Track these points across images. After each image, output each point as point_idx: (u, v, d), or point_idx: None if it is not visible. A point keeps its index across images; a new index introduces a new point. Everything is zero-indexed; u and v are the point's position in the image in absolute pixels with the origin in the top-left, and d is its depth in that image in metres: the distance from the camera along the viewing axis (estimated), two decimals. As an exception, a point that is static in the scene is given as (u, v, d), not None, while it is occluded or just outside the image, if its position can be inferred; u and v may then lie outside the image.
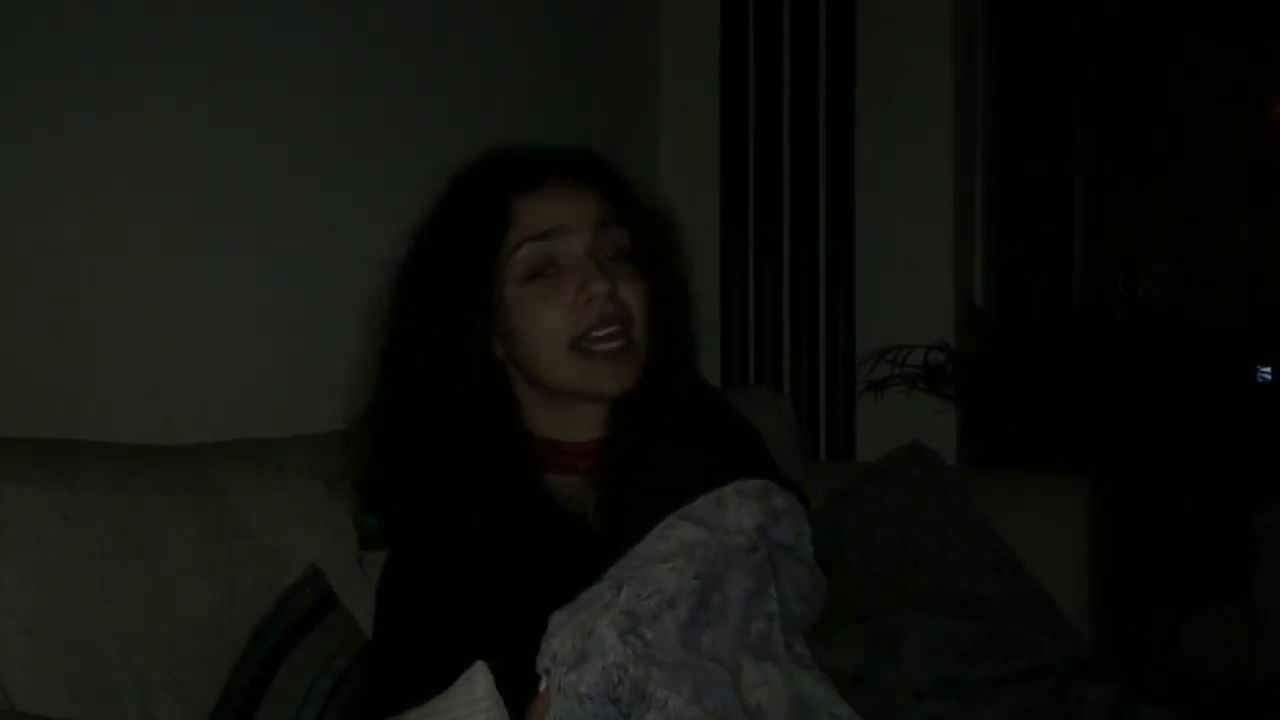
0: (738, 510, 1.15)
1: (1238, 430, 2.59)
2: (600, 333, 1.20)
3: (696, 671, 1.04)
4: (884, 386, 2.66)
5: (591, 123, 2.54)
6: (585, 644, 1.01)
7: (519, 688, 1.00)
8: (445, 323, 1.22)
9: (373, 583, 1.25)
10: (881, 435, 2.52)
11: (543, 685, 0.99)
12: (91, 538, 1.15)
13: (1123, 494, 2.33)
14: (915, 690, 1.61)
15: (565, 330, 1.20)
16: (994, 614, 1.85)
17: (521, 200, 1.22)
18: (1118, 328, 2.85)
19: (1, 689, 1.06)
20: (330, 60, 1.83)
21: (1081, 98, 3.33)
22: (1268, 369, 3.28)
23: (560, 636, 1.01)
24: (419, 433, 1.22)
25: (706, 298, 2.77)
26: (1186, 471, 2.49)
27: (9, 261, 1.41)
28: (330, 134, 1.82)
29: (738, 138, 2.78)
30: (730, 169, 2.78)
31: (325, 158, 1.80)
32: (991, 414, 2.64)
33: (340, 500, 1.29)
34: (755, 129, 2.77)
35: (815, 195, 2.74)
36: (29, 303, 1.42)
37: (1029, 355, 2.62)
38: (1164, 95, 3.68)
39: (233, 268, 1.66)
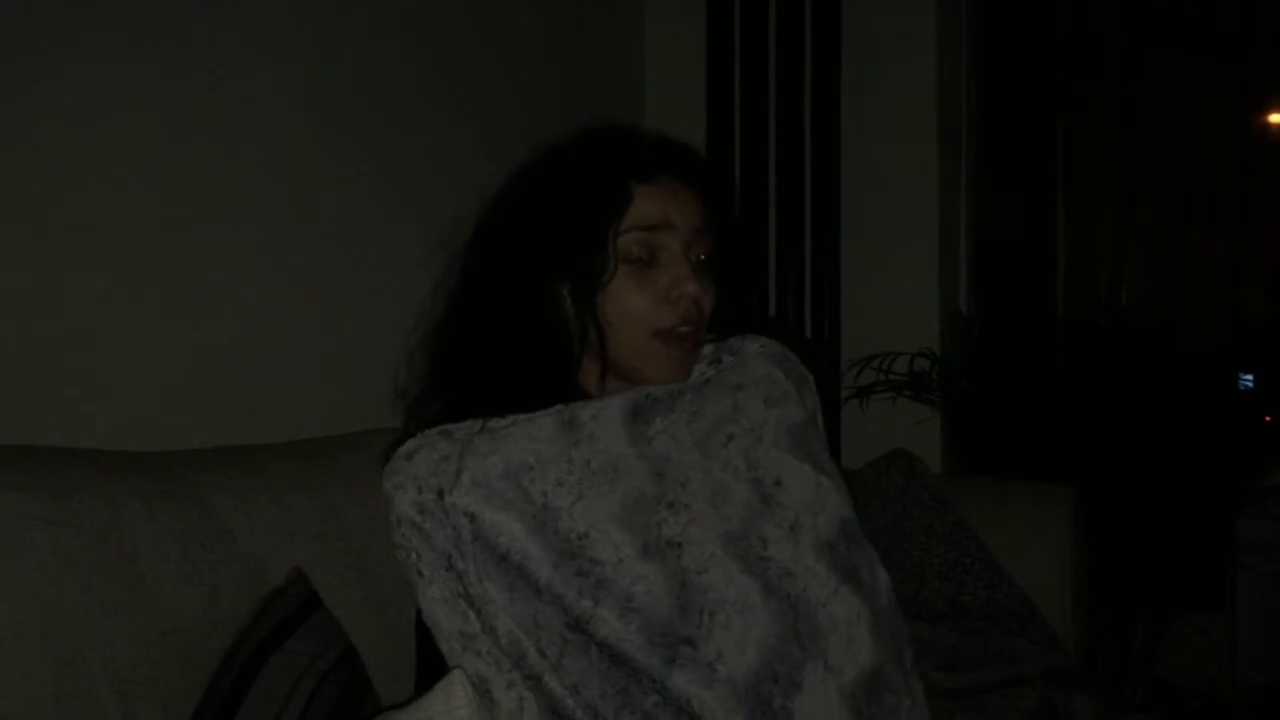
0: None
1: (1219, 439, 2.60)
2: (682, 330, 1.30)
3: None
4: (869, 393, 2.66)
5: (575, 123, 2.54)
6: None
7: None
8: (541, 280, 1.29)
9: (360, 583, 1.29)
10: (866, 442, 2.53)
11: None
12: (72, 543, 1.14)
13: (1105, 502, 2.33)
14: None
15: (651, 319, 1.29)
16: (976, 621, 1.85)
17: (638, 186, 1.30)
18: (1100, 336, 2.86)
19: (-20, 695, 1.05)
20: (315, 61, 1.83)
21: (1065, 108, 3.35)
22: (1249, 376, 3.29)
23: None
24: (479, 361, 1.31)
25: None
26: (1168, 480, 2.49)
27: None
28: (315, 135, 1.82)
29: (723, 144, 2.78)
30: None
31: (309, 159, 1.80)
32: (976, 421, 2.64)
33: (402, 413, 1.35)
34: (740, 136, 2.77)
35: (801, 202, 2.75)
36: (9, 306, 1.41)
37: (1013, 363, 2.63)
38: (1147, 107, 3.70)
39: (219, 272, 1.65)
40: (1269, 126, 4.00)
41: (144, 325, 1.56)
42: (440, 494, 1.20)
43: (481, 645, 1.17)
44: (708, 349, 1.39)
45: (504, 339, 1.30)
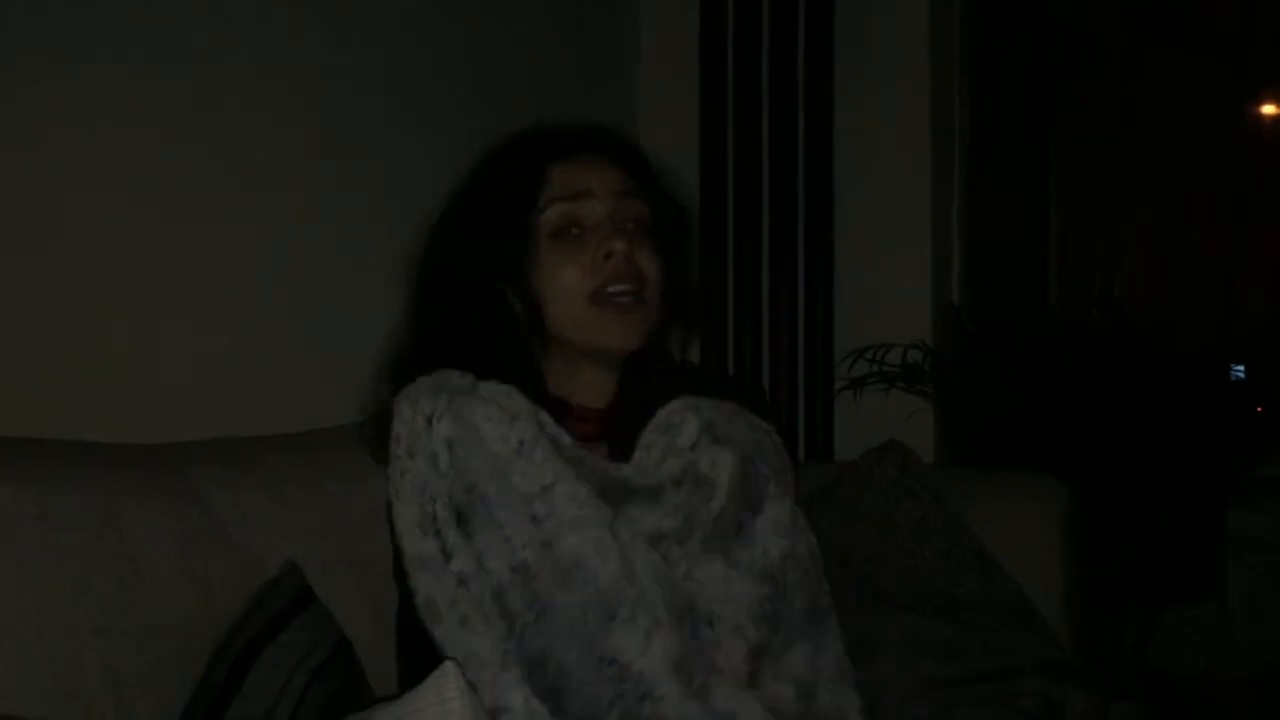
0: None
1: (1210, 430, 2.61)
2: (615, 288, 1.29)
3: None
4: (862, 385, 2.66)
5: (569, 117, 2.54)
6: None
7: None
8: (476, 273, 1.32)
9: (354, 578, 1.31)
10: (859, 434, 2.53)
11: None
12: (66, 538, 1.14)
13: (1098, 494, 2.34)
14: (892, 691, 1.62)
15: (584, 284, 1.29)
16: (970, 614, 1.86)
17: (555, 166, 1.33)
18: (1093, 328, 2.87)
19: (-25, 690, 1.05)
20: (316, 62, 1.84)
21: (1060, 104, 3.35)
22: (1241, 368, 3.31)
23: None
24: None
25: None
26: (1160, 472, 2.50)
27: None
28: (314, 135, 1.82)
29: (716, 136, 2.78)
30: (709, 168, 2.78)
31: (310, 158, 1.81)
32: (969, 413, 2.65)
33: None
34: (734, 127, 2.77)
35: (794, 195, 2.75)
36: (6, 303, 1.42)
37: (1006, 355, 2.64)
38: (1140, 101, 3.71)
39: (213, 266, 1.66)
40: (1264, 123, 4.01)
41: (143, 321, 1.56)
42: (429, 420, 1.21)
43: (437, 568, 1.18)
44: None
45: (453, 341, 1.31)
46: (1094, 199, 3.71)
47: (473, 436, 1.20)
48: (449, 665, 0.89)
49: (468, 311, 1.32)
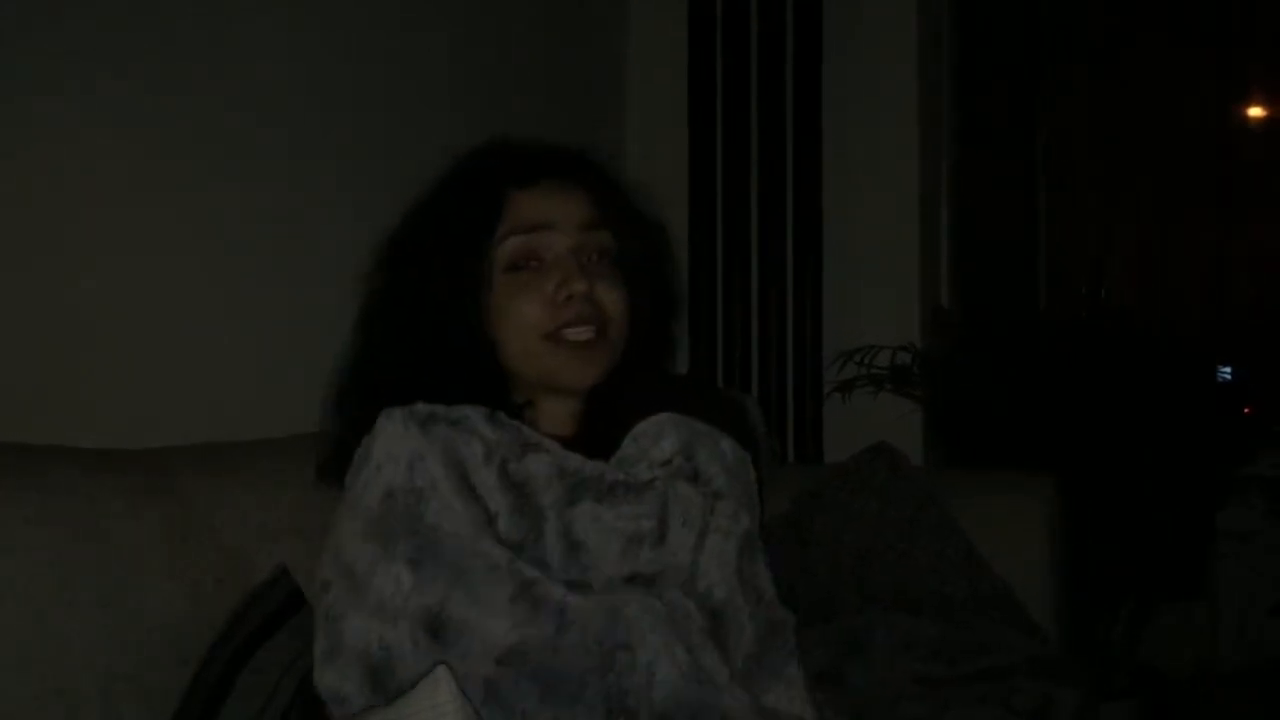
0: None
1: (1199, 430, 2.62)
2: (573, 331, 1.23)
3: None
4: (851, 388, 2.67)
5: (559, 125, 2.55)
6: None
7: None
8: (428, 299, 1.25)
9: None
10: (849, 436, 2.54)
11: None
12: (55, 541, 1.14)
13: (1087, 493, 2.35)
14: (884, 691, 1.62)
15: (540, 324, 1.23)
16: (960, 613, 1.87)
17: (515, 193, 1.26)
18: (1081, 329, 2.87)
19: (-37, 694, 1.05)
20: (316, 64, 1.85)
21: (1045, 101, 3.37)
22: (1228, 369, 3.32)
23: None
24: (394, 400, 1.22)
25: (675, 300, 2.79)
26: (1149, 471, 2.51)
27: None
28: (314, 138, 1.83)
29: (706, 140, 2.79)
30: (698, 171, 2.79)
31: (301, 159, 1.81)
32: (958, 415, 2.66)
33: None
34: (723, 131, 2.78)
35: (783, 197, 2.76)
36: (3, 305, 1.42)
37: (994, 356, 2.65)
38: (1127, 100, 3.72)
39: (203, 269, 1.66)
40: (1252, 120, 4.02)
41: (135, 324, 1.56)
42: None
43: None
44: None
45: (405, 368, 1.24)
46: (1082, 199, 3.72)
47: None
48: (441, 670, 0.89)
49: (420, 339, 1.25)
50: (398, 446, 1.13)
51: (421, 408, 1.15)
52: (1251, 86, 3.92)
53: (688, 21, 2.79)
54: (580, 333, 1.23)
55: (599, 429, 1.24)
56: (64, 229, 1.47)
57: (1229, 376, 3.27)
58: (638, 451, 1.20)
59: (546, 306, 1.22)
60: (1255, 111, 3.97)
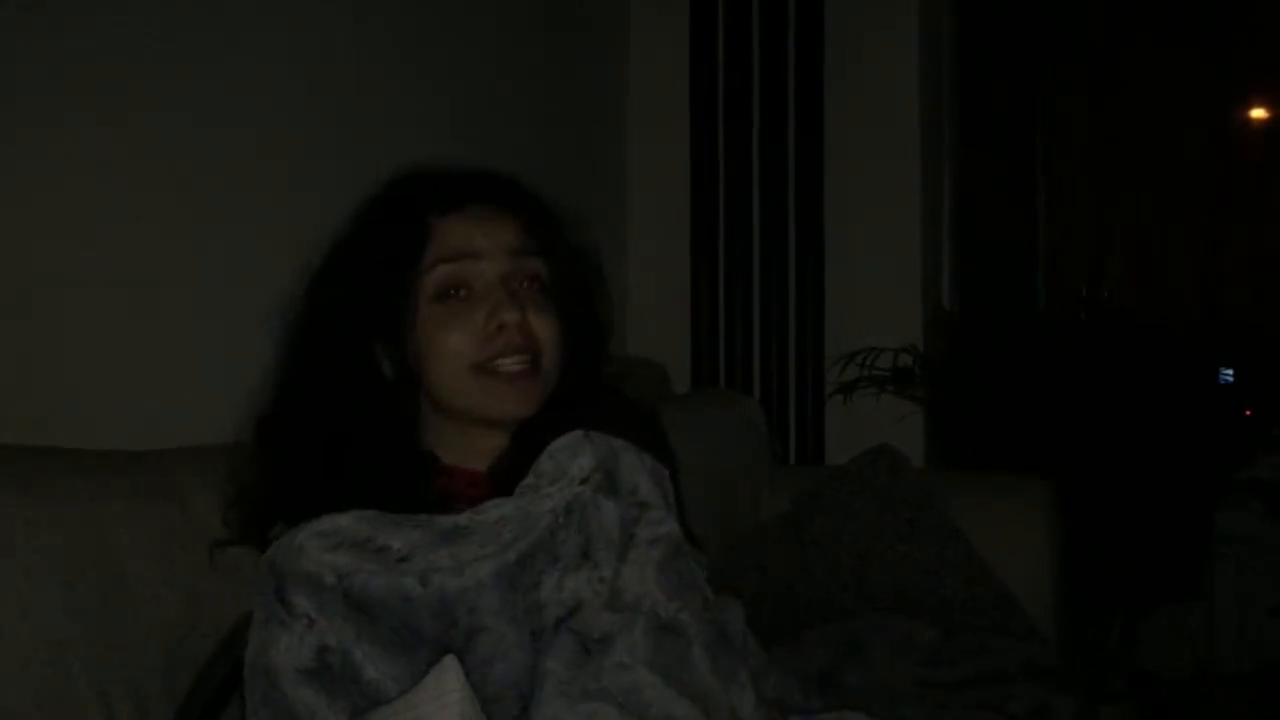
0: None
1: (1199, 431, 2.63)
2: (505, 362, 1.19)
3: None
4: (853, 389, 2.68)
5: (562, 126, 2.56)
6: None
7: None
8: (346, 335, 1.21)
9: None
10: (850, 437, 2.54)
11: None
12: (53, 544, 1.13)
13: (1086, 495, 2.35)
14: (882, 693, 1.63)
15: (470, 355, 1.19)
16: (959, 615, 1.87)
17: (439, 220, 1.22)
18: (1081, 330, 2.88)
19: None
20: (317, 64, 1.85)
21: (1044, 104, 3.37)
22: (1229, 371, 3.32)
23: None
24: (311, 443, 1.21)
25: (677, 301, 2.80)
26: (1148, 471, 2.52)
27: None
28: (313, 140, 1.84)
29: (707, 142, 2.79)
30: (700, 173, 2.80)
31: (304, 161, 1.81)
32: (959, 416, 2.66)
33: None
34: (725, 134, 2.78)
35: (785, 199, 2.76)
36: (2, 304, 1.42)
37: (995, 358, 2.65)
38: (1126, 101, 3.73)
39: (204, 270, 1.65)
40: (1250, 121, 4.02)
41: (133, 324, 1.56)
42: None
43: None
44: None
45: (324, 411, 1.21)
46: (1081, 199, 3.72)
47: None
48: (449, 659, 0.90)
49: (335, 372, 1.21)
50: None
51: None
52: (1251, 88, 3.92)
53: (689, 21, 2.79)
54: (513, 363, 1.19)
55: (521, 462, 1.18)
56: (65, 229, 1.46)
57: (1230, 378, 3.27)
58: (555, 468, 1.14)
59: (476, 337, 1.19)
60: (1255, 113, 3.97)
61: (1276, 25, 3.71)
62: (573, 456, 1.14)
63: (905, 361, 2.65)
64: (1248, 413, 3.15)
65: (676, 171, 2.81)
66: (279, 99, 1.78)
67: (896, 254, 2.79)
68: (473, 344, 1.19)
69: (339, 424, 1.20)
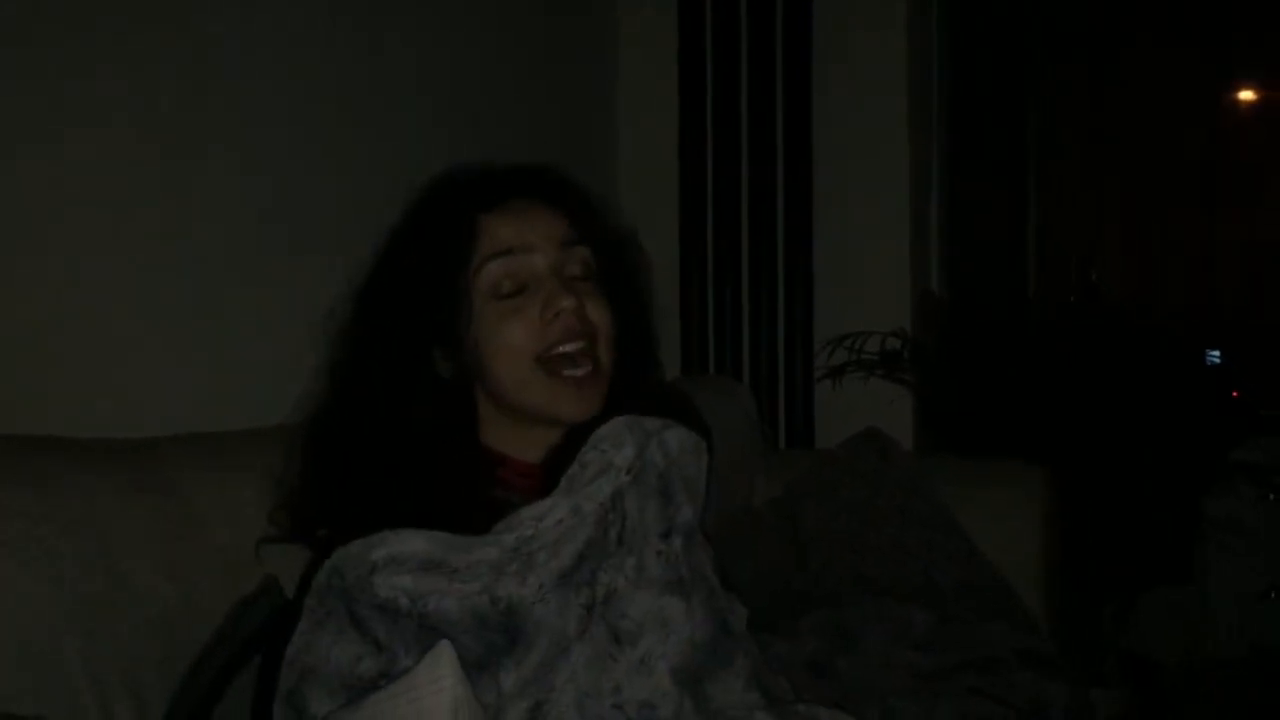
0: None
1: (1188, 413, 2.63)
2: (567, 348, 1.20)
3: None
4: (842, 373, 2.68)
5: (550, 117, 2.55)
6: None
7: None
8: (403, 340, 1.22)
9: None
10: (840, 422, 2.54)
11: None
12: (48, 536, 1.13)
13: (1076, 479, 2.36)
14: (876, 682, 1.62)
15: (531, 346, 1.20)
16: (951, 601, 1.87)
17: (485, 218, 1.23)
18: (1070, 314, 2.89)
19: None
20: (317, 67, 1.85)
21: (1035, 89, 3.38)
22: (1216, 353, 3.34)
23: None
24: (368, 445, 1.21)
25: (665, 287, 2.79)
26: (1139, 457, 2.52)
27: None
28: (313, 141, 1.84)
29: (696, 126, 2.78)
30: (688, 158, 2.79)
31: (304, 155, 1.81)
32: (948, 400, 2.67)
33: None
34: (713, 117, 2.78)
35: (773, 183, 2.76)
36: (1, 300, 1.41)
37: (984, 342, 2.65)
38: (1117, 88, 3.74)
39: (200, 260, 1.65)
40: (1240, 109, 4.04)
41: (132, 316, 1.55)
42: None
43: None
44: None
45: (384, 415, 1.21)
46: (1071, 185, 3.73)
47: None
48: (444, 644, 0.90)
49: (393, 378, 1.21)
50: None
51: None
52: (1240, 76, 3.94)
53: (677, 8, 2.78)
54: (576, 368, 1.20)
55: (574, 455, 1.18)
56: (59, 220, 1.46)
57: (1217, 360, 3.29)
58: (601, 459, 1.15)
59: (534, 328, 1.20)
60: (1244, 98, 3.99)
61: (1266, 13, 3.72)
62: (617, 447, 1.15)
63: (894, 345, 2.65)
64: (1236, 394, 3.16)
65: (665, 157, 2.80)
66: (278, 84, 1.77)
67: (885, 237, 2.79)
68: (531, 335, 1.20)
69: (400, 427, 1.20)
